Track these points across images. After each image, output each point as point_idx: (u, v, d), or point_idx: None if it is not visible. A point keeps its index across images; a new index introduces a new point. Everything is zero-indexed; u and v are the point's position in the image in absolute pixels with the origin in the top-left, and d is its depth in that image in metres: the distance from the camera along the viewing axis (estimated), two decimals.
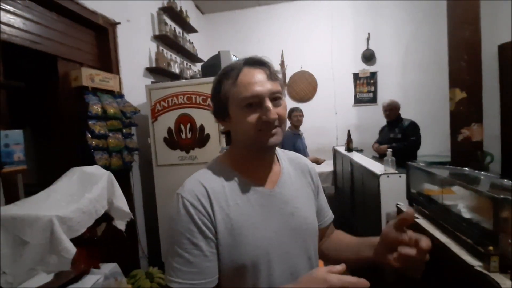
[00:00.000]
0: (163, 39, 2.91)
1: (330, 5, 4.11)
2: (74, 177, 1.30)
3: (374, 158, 2.76)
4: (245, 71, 0.60)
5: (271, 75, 0.61)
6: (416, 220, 1.34)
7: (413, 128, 2.86)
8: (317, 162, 2.96)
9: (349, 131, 3.05)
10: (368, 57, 4.08)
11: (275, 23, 4.27)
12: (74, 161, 1.56)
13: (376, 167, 1.98)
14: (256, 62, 0.62)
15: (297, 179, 0.71)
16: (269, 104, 0.58)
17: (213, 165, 0.66)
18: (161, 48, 2.86)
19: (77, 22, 1.93)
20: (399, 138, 2.89)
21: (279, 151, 0.74)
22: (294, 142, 2.92)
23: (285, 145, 2.87)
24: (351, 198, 2.58)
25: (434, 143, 3.25)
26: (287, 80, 4.28)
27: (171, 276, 0.55)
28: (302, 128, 3.20)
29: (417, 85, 3.89)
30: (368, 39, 4.05)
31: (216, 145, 2.10)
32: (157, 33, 2.83)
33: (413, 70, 3.93)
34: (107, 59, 2.14)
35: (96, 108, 1.78)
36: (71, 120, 1.82)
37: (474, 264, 0.94)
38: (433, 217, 1.29)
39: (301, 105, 3.58)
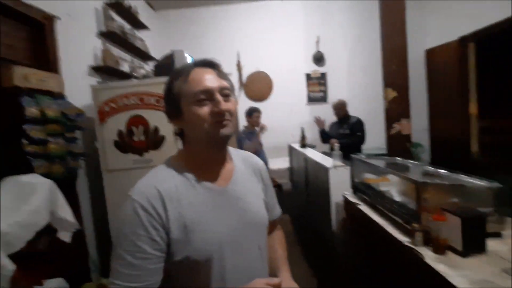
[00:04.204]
0: (110, 36, 2.73)
1: (283, 8, 4.27)
2: (8, 188, 1.18)
3: (324, 153, 2.97)
4: (196, 70, 0.65)
5: (220, 74, 0.67)
6: (358, 206, 1.50)
7: (359, 125, 3.14)
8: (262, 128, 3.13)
9: (302, 129, 3.22)
10: (318, 58, 4.34)
11: (231, 23, 4.29)
12: (10, 170, 1.40)
13: (326, 161, 2.14)
14: (206, 63, 0.68)
15: (249, 177, 0.76)
16: (219, 97, 0.63)
17: (167, 164, 0.67)
18: (108, 45, 2.69)
19: (9, 17, 1.73)
20: (347, 133, 3.15)
21: (232, 150, 0.78)
22: (249, 138, 3.04)
23: (241, 141, 2.96)
24: (305, 191, 2.74)
25: (377, 137, 3.60)
26: (244, 81, 4.34)
27: (112, 277, 0.56)
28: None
29: (362, 85, 4.26)
30: (318, 42, 4.30)
31: (171, 147, 2.05)
32: (103, 29, 2.65)
33: (358, 71, 4.29)
34: (44, 57, 1.94)
35: (33, 111, 1.61)
36: (5, 125, 1.62)
37: (404, 240, 1.09)
38: (372, 202, 1.45)
39: (258, 105, 3.68)
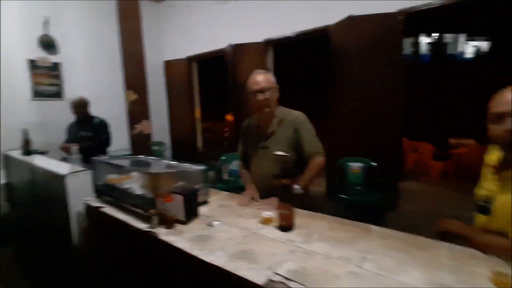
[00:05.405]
0: None
1: None
2: None
3: (63, 159, 2.53)
4: None
5: None
6: (102, 209, 1.45)
7: (104, 126, 2.95)
8: None
9: (25, 131, 2.49)
10: (48, 44, 3.54)
11: None
12: None
13: (62, 167, 1.84)
14: None
15: None
16: None
17: None
18: None
19: None
20: (90, 136, 2.86)
21: None
22: None
23: None
24: (34, 209, 2.18)
25: (124, 137, 3.63)
26: None
27: None
28: None
29: (105, 84, 4.06)
30: (46, 23, 3.49)
31: None
32: None
33: (101, 69, 4.03)
34: None
35: None
36: None
37: (144, 227, 1.22)
38: (115, 201, 1.47)
39: None
